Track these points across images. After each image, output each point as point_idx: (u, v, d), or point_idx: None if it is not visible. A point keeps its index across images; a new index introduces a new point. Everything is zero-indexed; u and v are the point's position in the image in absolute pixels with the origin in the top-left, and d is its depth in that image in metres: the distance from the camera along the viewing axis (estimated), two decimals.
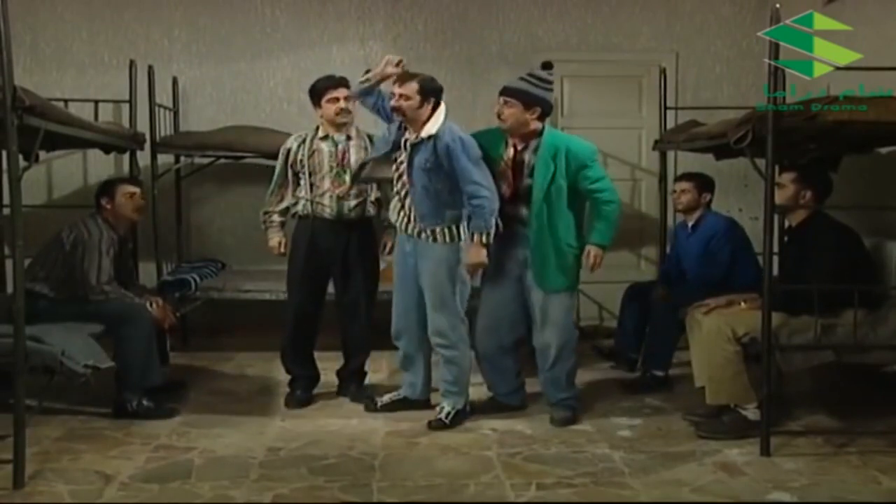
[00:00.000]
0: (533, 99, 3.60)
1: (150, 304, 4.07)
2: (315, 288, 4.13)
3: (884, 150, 4.39)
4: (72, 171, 5.65)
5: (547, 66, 3.69)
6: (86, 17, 5.72)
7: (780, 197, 3.63)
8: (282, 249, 4.16)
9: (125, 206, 4.11)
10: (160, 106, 5.31)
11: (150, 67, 5.21)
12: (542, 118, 3.66)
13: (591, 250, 3.70)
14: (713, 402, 3.58)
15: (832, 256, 3.54)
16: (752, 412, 3.50)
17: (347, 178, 4.00)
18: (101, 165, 5.48)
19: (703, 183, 4.61)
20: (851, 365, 3.58)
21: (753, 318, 3.41)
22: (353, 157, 4.01)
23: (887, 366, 3.58)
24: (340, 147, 4.05)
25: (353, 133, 4.08)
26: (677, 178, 4.81)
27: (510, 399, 3.95)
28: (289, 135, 4.35)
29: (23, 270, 3.10)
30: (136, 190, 4.19)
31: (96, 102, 4.98)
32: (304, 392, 4.16)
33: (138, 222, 4.44)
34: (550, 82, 3.68)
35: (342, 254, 4.07)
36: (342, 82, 4.05)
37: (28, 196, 4.24)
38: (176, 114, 5.63)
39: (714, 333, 3.54)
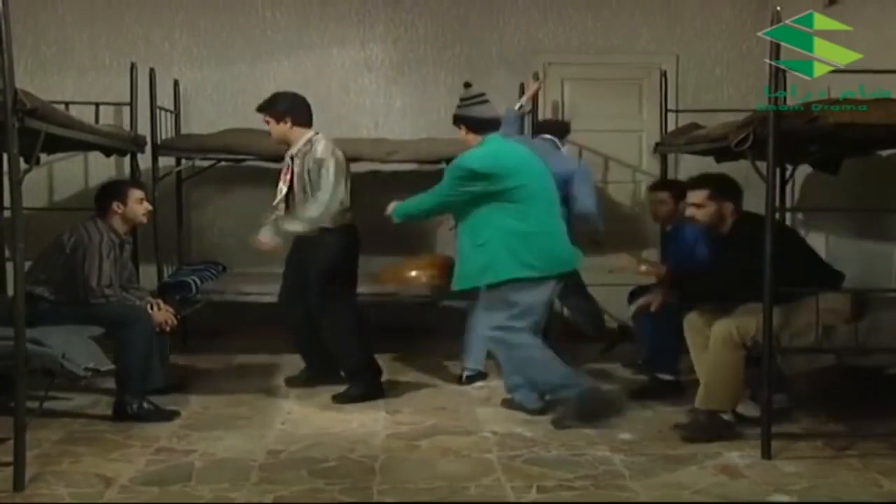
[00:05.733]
0: (456, 119, 3.86)
1: (152, 307, 4.08)
2: (292, 292, 4.34)
3: (884, 153, 4.39)
4: (73, 173, 5.66)
5: (466, 85, 3.93)
6: (87, 20, 5.73)
7: (703, 216, 3.75)
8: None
9: (136, 211, 4.10)
10: (161, 108, 5.31)
11: (152, 70, 5.21)
12: (474, 131, 3.80)
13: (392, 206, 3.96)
14: (702, 407, 3.56)
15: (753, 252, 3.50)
16: (729, 414, 3.54)
17: (290, 196, 4.13)
18: (101, 168, 5.48)
19: (680, 192, 4.56)
20: (853, 367, 3.58)
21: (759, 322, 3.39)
22: (296, 173, 4.10)
23: (888, 368, 3.57)
24: (285, 166, 4.17)
25: (294, 151, 4.12)
26: (652, 188, 4.76)
27: (524, 402, 3.96)
28: None
29: (23, 273, 3.10)
30: (143, 193, 4.19)
31: (97, 105, 4.96)
32: (307, 372, 4.47)
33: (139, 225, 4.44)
34: (469, 97, 3.83)
35: (299, 264, 4.26)
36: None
37: (29, 198, 4.23)
38: (177, 116, 5.63)
39: (723, 340, 3.48)
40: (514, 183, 3.66)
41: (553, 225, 3.80)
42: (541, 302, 3.76)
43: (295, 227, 4.04)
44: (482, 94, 3.84)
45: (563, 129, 5.09)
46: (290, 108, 4.10)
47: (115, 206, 4.06)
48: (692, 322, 3.77)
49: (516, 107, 5.05)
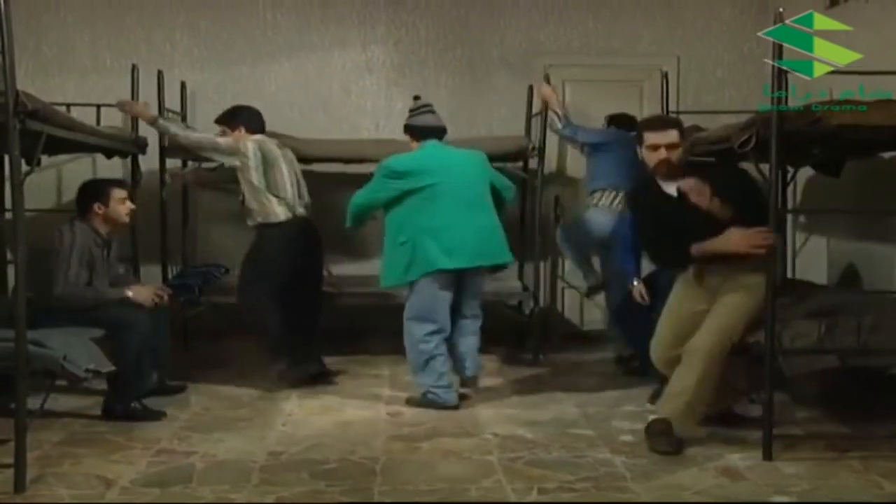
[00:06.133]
0: (404, 128, 4.26)
1: (131, 292, 3.97)
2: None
3: (886, 155, 4.39)
4: (82, 175, 5.59)
5: (415, 98, 4.37)
6: (88, 22, 5.74)
7: (676, 157, 3.49)
8: None
9: (119, 211, 4.04)
10: (168, 110, 5.30)
11: (160, 73, 5.21)
12: (416, 139, 4.18)
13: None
14: (678, 420, 3.42)
15: (749, 189, 3.47)
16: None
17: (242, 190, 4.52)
18: (110, 169, 5.46)
19: None
20: (855, 368, 3.56)
21: (745, 319, 3.38)
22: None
23: (891, 368, 3.55)
24: None
25: (241, 147, 4.44)
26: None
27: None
28: (290, 138, 4.41)
29: (25, 274, 3.10)
30: (126, 193, 4.14)
31: (98, 106, 4.97)
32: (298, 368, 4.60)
33: (135, 225, 4.43)
34: (415, 108, 4.25)
35: None
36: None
37: (36, 200, 4.24)
38: (183, 118, 5.63)
39: (711, 348, 3.37)
40: (429, 181, 3.98)
41: (464, 221, 4.00)
42: (445, 291, 4.02)
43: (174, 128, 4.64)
44: (426, 106, 4.25)
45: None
46: (245, 119, 4.57)
47: (96, 206, 3.99)
48: (659, 353, 3.63)
49: (561, 120, 5.17)
